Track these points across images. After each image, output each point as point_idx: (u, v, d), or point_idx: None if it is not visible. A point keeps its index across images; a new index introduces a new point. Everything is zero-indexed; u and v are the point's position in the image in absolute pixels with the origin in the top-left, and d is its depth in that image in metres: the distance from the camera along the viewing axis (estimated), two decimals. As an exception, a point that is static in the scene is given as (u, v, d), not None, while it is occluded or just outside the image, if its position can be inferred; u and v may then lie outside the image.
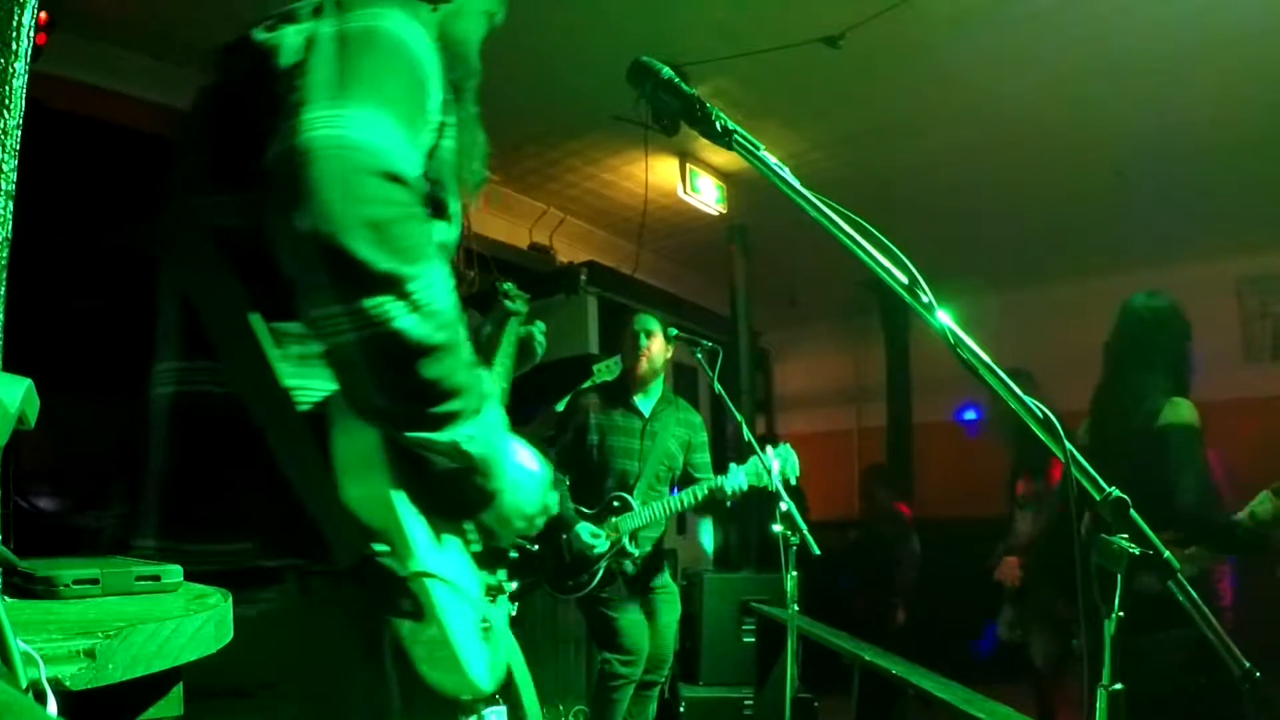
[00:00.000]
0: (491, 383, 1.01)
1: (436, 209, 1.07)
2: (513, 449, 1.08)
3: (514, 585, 3.35)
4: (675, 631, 3.66)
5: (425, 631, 0.92)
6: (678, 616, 3.63)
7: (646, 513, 3.38)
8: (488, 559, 1.17)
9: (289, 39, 0.97)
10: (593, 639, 3.60)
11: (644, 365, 3.53)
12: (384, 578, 0.91)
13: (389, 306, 0.83)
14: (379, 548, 0.91)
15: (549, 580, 3.46)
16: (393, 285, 0.83)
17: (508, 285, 2.18)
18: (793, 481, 3.28)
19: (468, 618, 1.01)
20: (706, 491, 3.34)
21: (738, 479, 3.28)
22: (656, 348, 3.54)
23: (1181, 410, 2.42)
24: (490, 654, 1.07)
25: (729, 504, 3.40)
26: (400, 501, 0.93)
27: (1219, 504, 2.47)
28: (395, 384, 0.87)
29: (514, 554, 1.43)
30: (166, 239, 1.09)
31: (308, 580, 0.94)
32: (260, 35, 1.01)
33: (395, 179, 0.85)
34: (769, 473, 3.04)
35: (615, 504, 3.43)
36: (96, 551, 1.00)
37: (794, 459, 3.27)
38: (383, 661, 0.95)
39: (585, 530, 3.32)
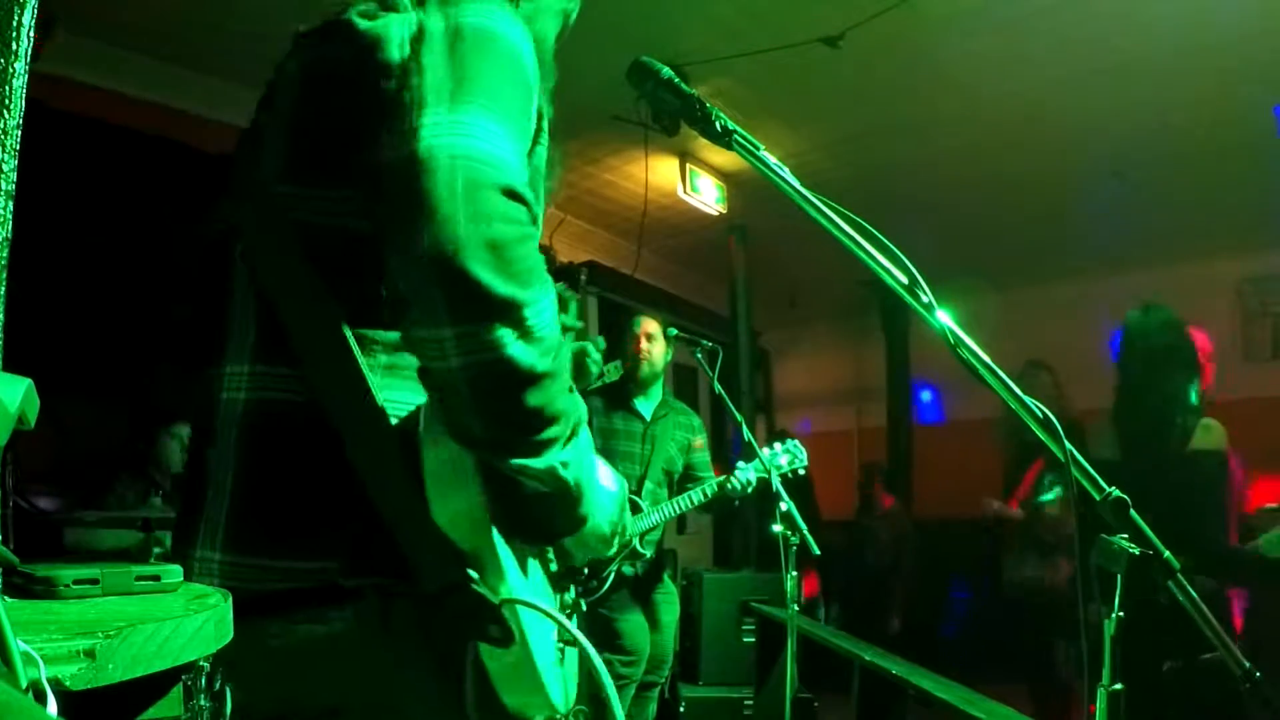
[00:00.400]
0: (583, 406, 0.94)
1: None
2: (598, 470, 1.03)
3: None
4: (674, 631, 3.65)
5: (510, 655, 0.89)
6: (677, 616, 3.64)
7: (656, 514, 3.39)
8: (561, 578, 1.14)
9: (394, 29, 0.90)
10: (592, 640, 3.60)
11: (645, 368, 3.53)
12: (474, 604, 0.86)
13: (502, 333, 0.79)
14: (470, 573, 0.87)
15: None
16: (509, 311, 0.79)
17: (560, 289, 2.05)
18: (801, 473, 3.33)
19: (550, 640, 0.98)
20: (715, 489, 3.36)
21: (745, 475, 3.30)
22: (657, 351, 3.55)
23: (1214, 434, 2.44)
24: (564, 673, 1.04)
25: (736, 502, 3.41)
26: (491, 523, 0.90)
27: (1230, 532, 2.48)
28: (497, 412, 0.83)
29: (586, 571, 1.41)
30: (241, 229, 1.01)
31: (389, 601, 0.90)
32: (363, 23, 0.93)
33: (514, 195, 0.81)
34: (776, 468, 3.11)
35: None
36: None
37: (802, 453, 3.34)
38: (460, 685, 0.91)
39: None
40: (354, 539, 0.90)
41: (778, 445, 3.35)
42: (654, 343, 3.53)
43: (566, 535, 0.99)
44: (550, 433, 0.86)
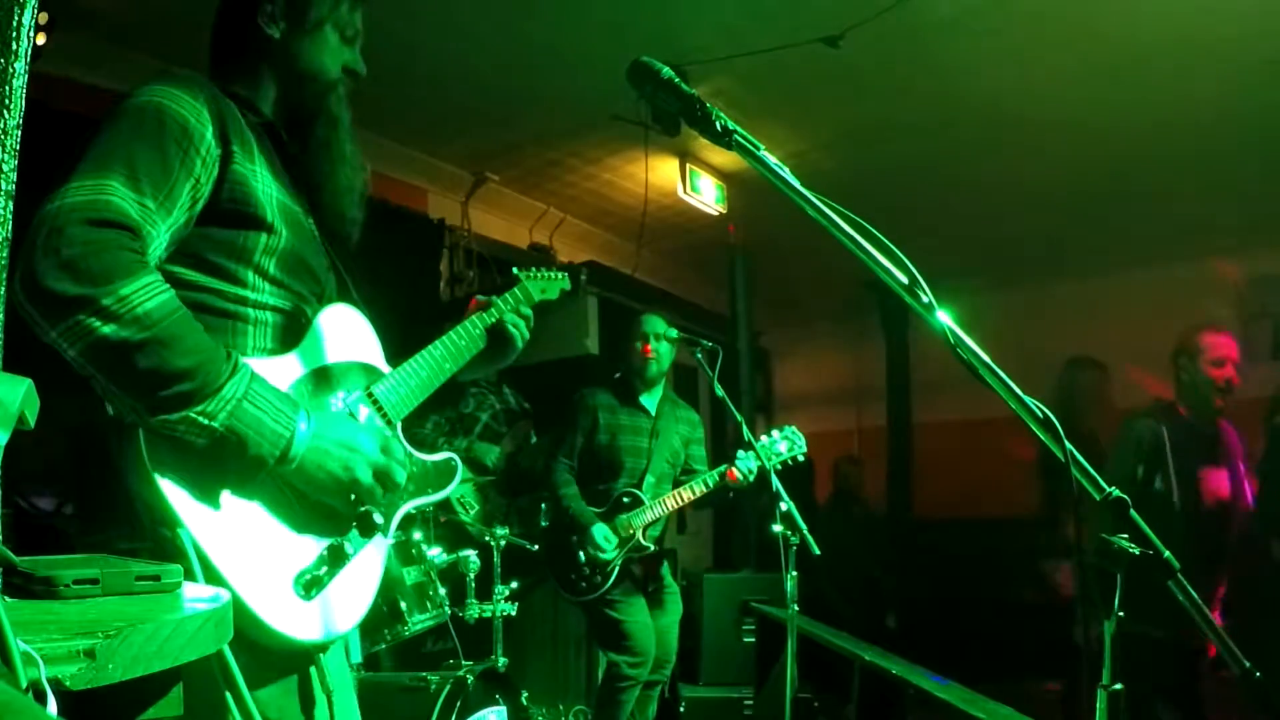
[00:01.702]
0: (230, 368, 1.11)
1: (244, 219, 1.25)
2: (293, 416, 1.16)
3: (514, 584, 3.34)
4: (678, 630, 3.67)
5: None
6: (680, 615, 3.65)
7: (659, 506, 3.42)
8: (324, 521, 1.25)
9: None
10: (597, 641, 3.60)
11: (653, 367, 3.57)
12: (168, 545, 1.08)
13: (88, 321, 1.02)
14: (162, 521, 1.09)
15: (561, 583, 3.47)
16: (84, 305, 1.02)
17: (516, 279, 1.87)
18: (801, 459, 3.36)
19: (263, 574, 1.15)
20: (717, 479, 3.38)
21: (746, 464, 3.34)
22: (665, 349, 3.58)
23: None
24: (325, 605, 1.22)
25: (731, 494, 3.44)
26: (162, 482, 1.09)
27: None
28: (118, 379, 1.06)
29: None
30: None
31: (156, 557, 1.09)
32: None
33: (104, 223, 1.05)
34: (775, 455, 3.23)
35: (625, 500, 3.46)
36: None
37: (801, 440, 3.38)
38: None
39: (599, 533, 3.36)
40: (126, 515, 1.14)
41: (775, 433, 3.38)
42: (661, 341, 3.56)
43: (251, 478, 1.15)
44: (179, 388, 1.06)
